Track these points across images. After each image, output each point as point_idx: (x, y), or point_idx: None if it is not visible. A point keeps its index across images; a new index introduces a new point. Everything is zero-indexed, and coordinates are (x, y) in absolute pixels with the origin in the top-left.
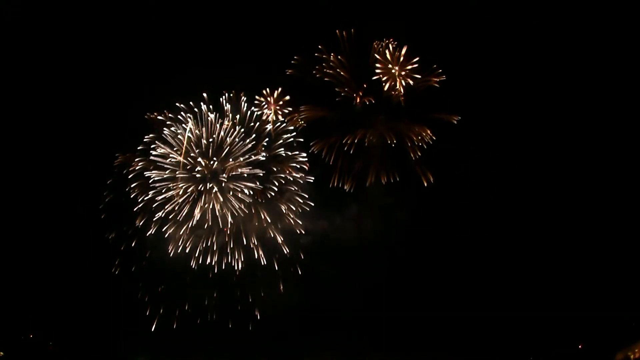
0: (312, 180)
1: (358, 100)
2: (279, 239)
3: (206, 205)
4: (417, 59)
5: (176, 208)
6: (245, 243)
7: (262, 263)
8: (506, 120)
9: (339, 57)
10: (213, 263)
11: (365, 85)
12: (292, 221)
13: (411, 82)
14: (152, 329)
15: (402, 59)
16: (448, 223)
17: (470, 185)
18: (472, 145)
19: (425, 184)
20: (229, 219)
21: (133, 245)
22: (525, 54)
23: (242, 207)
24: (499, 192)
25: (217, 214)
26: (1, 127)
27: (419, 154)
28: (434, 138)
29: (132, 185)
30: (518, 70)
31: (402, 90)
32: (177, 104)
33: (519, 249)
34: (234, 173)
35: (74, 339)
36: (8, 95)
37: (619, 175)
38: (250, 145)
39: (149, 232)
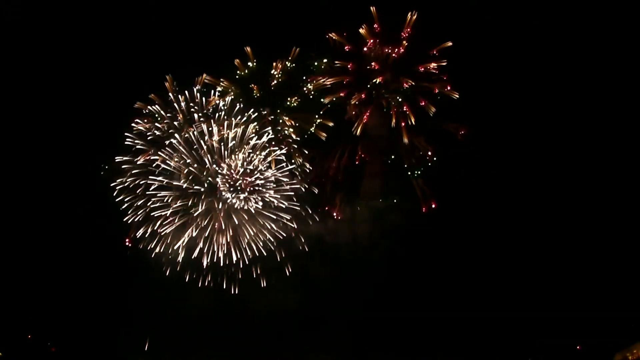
0: (315, 192)
1: (351, 108)
2: (278, 256)
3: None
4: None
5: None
6: (240, 256)
7: (262, 284)
8: (506, 121)
9: (325, 61)
10: (208, 281)
11: (356, 93)
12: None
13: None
14: (146, 348)
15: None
16: (446, 223)
17: (470, 186)
18: (472, 146)
19: (424, 210)
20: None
21: (129, 252)
22: (524, 55)
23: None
24: (498, 193)
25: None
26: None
27: (419, 172)
28: (435, 159)
29: (122, 198)
30: (517, 71)
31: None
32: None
33: (518, 249)
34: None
35: (74, 340)
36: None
37: (619, 175)
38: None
39: (141, 245)
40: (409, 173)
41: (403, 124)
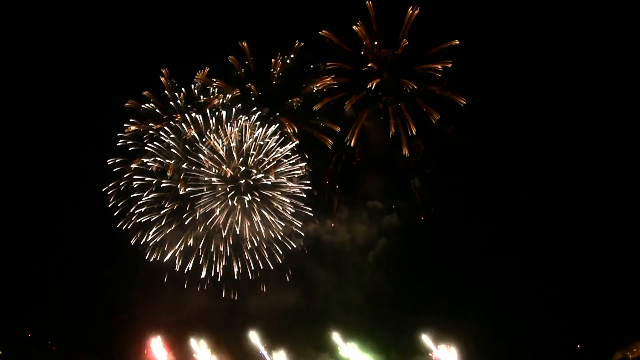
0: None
1: (347, 109)
2: (279, 259)
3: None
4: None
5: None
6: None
7: (262, 289)
8: (504, 124)
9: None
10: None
11: (353, 96)
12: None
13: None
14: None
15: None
16: (442, 224)
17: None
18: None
19: (423, 218)
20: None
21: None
22: (523, 56)
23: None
24: (498, 192)
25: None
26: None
27: (417, 177)
28: (434, 164)
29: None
30: (516, 72)
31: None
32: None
33: (518, 249)
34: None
35: (74, 338)
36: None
37: (619, 176)
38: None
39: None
40: (409, 178)
41: (403, 134)
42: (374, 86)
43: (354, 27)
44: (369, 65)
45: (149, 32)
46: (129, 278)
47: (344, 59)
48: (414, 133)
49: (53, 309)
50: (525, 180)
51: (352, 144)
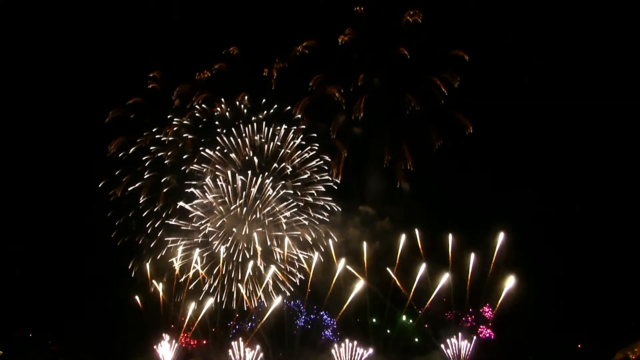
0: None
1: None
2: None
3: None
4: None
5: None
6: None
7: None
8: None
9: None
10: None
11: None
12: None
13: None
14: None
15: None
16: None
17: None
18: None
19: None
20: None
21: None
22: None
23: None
24: (497, 190)
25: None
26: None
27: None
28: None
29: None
30: (514, 75)
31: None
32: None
33: (518, 247)
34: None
35: (74, 338)
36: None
37: (618, 176)
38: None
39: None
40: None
41: (399, 168)
42: (362, 104)
43: (341, 37)
44: (360, 77)
45: (139, 37)
46: (130, 279)
47: (334, 69)
48: (411, 168)
49: (53, 309)
50: (525, 183)
51: (339, 180)
